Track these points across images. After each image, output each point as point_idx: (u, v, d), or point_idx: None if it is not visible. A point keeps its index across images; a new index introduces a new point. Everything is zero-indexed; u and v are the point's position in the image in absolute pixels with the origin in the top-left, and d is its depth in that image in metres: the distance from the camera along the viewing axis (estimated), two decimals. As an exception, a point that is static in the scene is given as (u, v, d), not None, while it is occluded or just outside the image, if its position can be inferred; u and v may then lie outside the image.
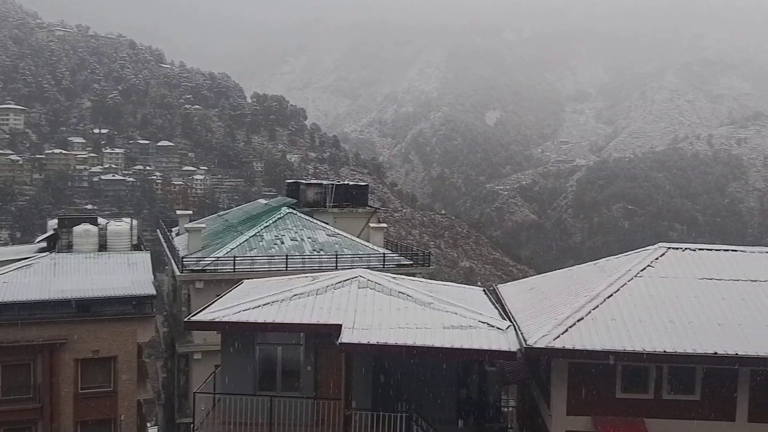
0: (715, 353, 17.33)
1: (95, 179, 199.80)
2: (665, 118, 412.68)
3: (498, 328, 18.41)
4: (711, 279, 20.43)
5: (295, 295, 19.88)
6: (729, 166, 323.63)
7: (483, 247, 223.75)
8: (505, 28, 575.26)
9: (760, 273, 20.72)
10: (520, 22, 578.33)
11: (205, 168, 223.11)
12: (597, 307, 18.90)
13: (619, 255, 23.75)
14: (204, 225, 43.31)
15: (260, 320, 18.65)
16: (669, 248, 22.09)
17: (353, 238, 39.03)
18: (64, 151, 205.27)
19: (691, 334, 17.96)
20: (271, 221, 38.93)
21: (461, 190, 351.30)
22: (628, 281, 20.17)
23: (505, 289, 24.68)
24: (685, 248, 22.19)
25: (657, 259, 21.40)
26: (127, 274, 35.75)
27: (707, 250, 22.28)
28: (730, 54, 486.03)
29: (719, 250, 22.40)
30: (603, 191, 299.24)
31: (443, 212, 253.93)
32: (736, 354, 17.30)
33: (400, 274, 29.35)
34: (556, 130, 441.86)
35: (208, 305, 20.74)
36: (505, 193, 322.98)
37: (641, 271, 20.73)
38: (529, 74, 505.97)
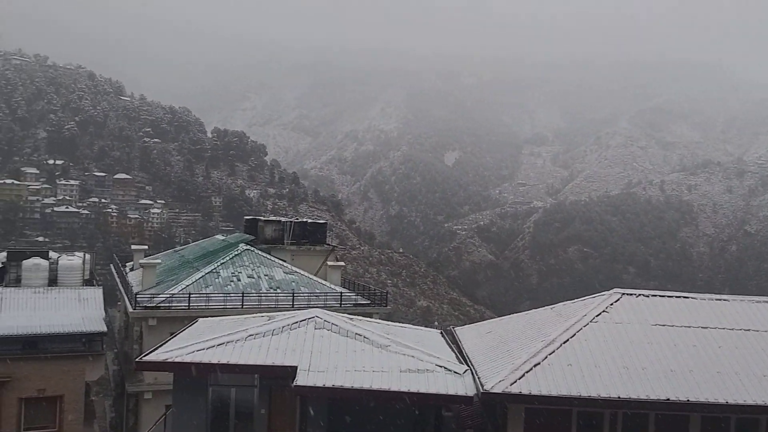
0: (668, 399, 17.56)
1: (48, 211, 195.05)
2: (619, 163, 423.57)
3: (455, 372, 18.38)
4: (664, 325, 20.80)
5: (250, 336, 19.59)
6: (680, 212, 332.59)
7: (440, 286, 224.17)
8: (464, 73, 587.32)
9: (710, 320, 21.20)
10: (476, 68, 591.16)
11: (162, 202, 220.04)
12: (553, 352, 19.04)
13: (576, 299, 24.04)
14: (159, 260, 42.52)
15: (214, 361, 18.31)
16: (624, 294, 22.46)
17: (310, 276, 38.81)
18: (16, 182, 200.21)
19: (645, 380, 18.20)
20: (227, 258, 38.49)
21: (419, 228, 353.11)
22: (584, 326, 20.40)
23: (463, 332, 24.69)
24: (639, 294, 22.59)
25: (612, 304, 21.73)
26: (78, 310, 34.80)
27: (660, 296, 22.73)
28: (680, 104, 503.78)
29: (672, 296, 22.87)
30: (559, 233, 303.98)
31: (401, 251, 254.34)
32: (688, 400, 17.56)
33: (357, 313, 29.23)
34: (514, 172, 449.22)
35: (162, 344, 20.29)
36: (463, 233, 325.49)
37: (597, 316, 21.00)
38: (488, 117, 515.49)
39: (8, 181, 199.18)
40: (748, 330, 20.84)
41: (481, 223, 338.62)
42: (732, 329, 20.82)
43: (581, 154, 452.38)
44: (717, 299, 22.91)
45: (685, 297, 22.88)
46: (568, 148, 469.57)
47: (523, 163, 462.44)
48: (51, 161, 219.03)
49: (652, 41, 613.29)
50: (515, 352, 19.79)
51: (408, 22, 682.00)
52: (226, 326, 21.49)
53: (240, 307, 33.01)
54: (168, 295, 33.37)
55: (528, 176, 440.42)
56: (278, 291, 35.72)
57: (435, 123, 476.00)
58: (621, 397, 17.52)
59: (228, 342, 19.12)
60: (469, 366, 19.71)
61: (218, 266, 37.31)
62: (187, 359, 18.42)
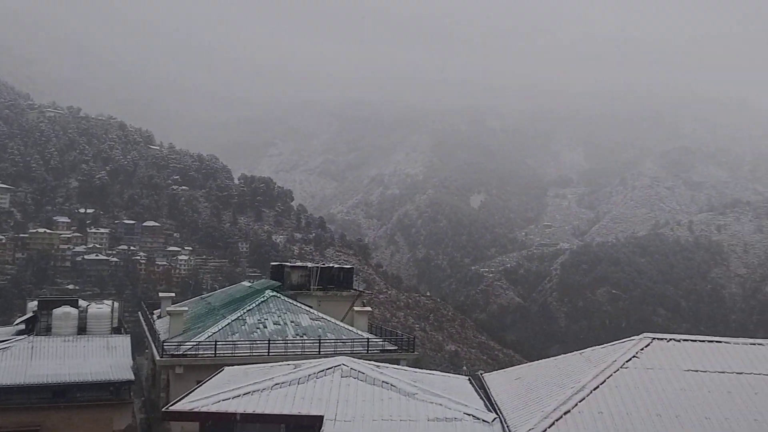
0: (704, 448, 17.07)
1: (78, 259, 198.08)
2: (646, 203, 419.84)
3: (484, 420, 18.09)
4: (697, 371, 20.31)
5: (276, 385, 19.53)
6: (710, 252, 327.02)
7: (468, 330, 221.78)
8: (488, 117, 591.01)
9: (745, 365, 20.66)
10: (500, 113, 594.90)
11: (190, 248, 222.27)
12: (584, 399, 18.66)
13: (605, 344, 23.62)
14: (186, 308, 42.76)
15: (240, 411, 18.26)
16: (654, 338, 22.02)
17: (337, 322, 38.68)
18: (48, 230, 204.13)
19: (679, 428, 17.73)
20: (254, 305, 38.55)
21: (446, 272, 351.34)
22: (614, 372, 19.99)
23: (491, 379, 24.34)
24: (670, 339, 22.14)
25: (642, 349, 21.31)
26: (106, 359, 34.98)
27: (692, 341, 22.25)
28: (706, 143, 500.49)
29: (704, 341, 22.37)
30: (587, 275, 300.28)
31: (428, 294, 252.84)
32: (725, 449, 17.05)
33: (385, 360, 29.02)
34: (540, 213, 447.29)
35: (188, 393, 20.31)
36: (491, 275, 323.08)
37: (627, 362, 20.59)
38: (513, 160, 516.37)
39: (41, 230, 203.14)
40: (786, 375, 20.24)
41: (508, 265, 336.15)
42: (768, 375, 20.25)
43: (606, 195, 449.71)
44: (752, 343, 22.34)
45: (718, 341, 22.36)
46: (593, 190, 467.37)
47: (549, 204, 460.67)
48: (82, 210, 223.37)
49: (674, 82, 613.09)
50: (545, 399, 19.43)
51: (428, 74, 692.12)
52: (251, 375, 21.47)
53: (266, 354, 32.90)
54: (194, 343, 33.45)
55: (554, 218, 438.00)
56: (304, 338, 35.63)
57: (460, 166, 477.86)
58: (655, 446, 17.07)
59: (254, 391, 19.07)
60: (497, 414, 19.39)
61: (244, 313, 37.38)
62: (213, 409, 18.40)
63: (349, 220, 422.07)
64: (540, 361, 25.87)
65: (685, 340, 22.23)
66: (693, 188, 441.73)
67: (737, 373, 20.27)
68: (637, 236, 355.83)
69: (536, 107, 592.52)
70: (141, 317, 47.91)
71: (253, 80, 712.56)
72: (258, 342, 34.22)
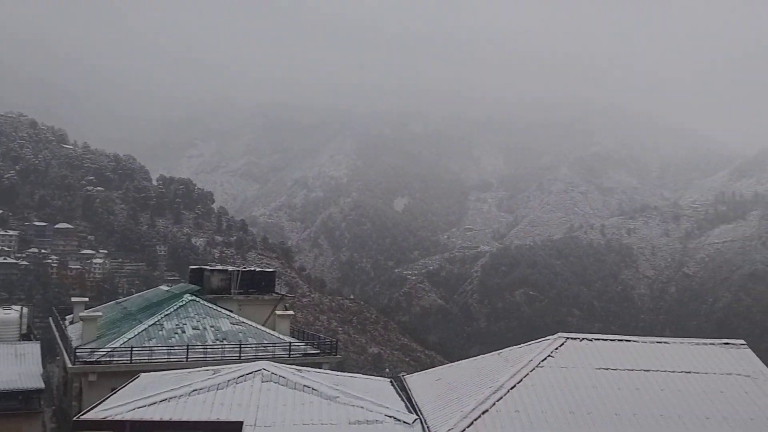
0: (613, 443, 17.79)
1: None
2: (561, 208, 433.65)
3: (404, 422, 18.28)
4: (607, 369, 21.17)
5: (194, 391, 19.15)
6: (621, 255, 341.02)
7: (391, 332, 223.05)
8: (412, 121, 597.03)
9: (651, 363, 21.68)
10: (425, 111, 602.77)
11: (105, 251, 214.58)
12: (501, 398, 19.14)
13: (522, 344, 24.29)
14: (100, 313, 41.33)
15: (156, 418, 17.82)
16: (568, 338, 22.82)
17: (258, 326, 38.24)
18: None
19: (591, 424, 18.42)
20: (172, 309, 37.63)
21: (370, 274, 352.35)
22: (530, 372, 20.60)
23: (412, 380, 24.61)
24: (583, 338, 22.99)
25: (557, 349, 22.04)
26: (14, 366, 33.52)
27: (603, 340, 23.19)
28: (618, 150, 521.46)
29: (614, 340, 23.36)
30: (506, 277, 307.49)
31: (352, 297, 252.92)
32: (633, 443, 17.82)
33: (307, 364, 28.87)
34: (461, 217, 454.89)
35: (101, 401, 19.66)
36: (413, 278, 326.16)
37: (542, 361, 21.24)
38: (435, 164, 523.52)
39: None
40: (689, 372, 21.35)
41: (431, 267, 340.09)
42: (674, 372, 21.31)
43: (524, 199, 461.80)
44: (658, 342, 23.48)
45: (627, 340, 23.40)
46: (512, 194, 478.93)
47: (470, 208, 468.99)
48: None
49: (585, 93, 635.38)
50: (464, 399, 19.81)
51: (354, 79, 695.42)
52: (169, 381, 20.96)
53: (184, 360, 32.20)
54: (109, 349, 32.38)
55: (475, 221, 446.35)
56: (224, 343, 35.04)
57: (384, 170, 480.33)
58: (568, 442, 17.68)
59: (171, 398, 18.63)
60: (418, 415, 19.63)
61: (162, 318, 36.43)
62: (128, 417, 17.87)
63: (272, 223, 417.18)
64: (460, 361, 26.37)
65: (597, 339, 23.15)
66: (605, 193, 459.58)
67: (645, 370, 21.24)
68: (553, 239, 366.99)
69: (458, 112, 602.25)
70: (52, 323, 46.02)
71: (172, 76, 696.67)
72: (176, 347, 33.44)
